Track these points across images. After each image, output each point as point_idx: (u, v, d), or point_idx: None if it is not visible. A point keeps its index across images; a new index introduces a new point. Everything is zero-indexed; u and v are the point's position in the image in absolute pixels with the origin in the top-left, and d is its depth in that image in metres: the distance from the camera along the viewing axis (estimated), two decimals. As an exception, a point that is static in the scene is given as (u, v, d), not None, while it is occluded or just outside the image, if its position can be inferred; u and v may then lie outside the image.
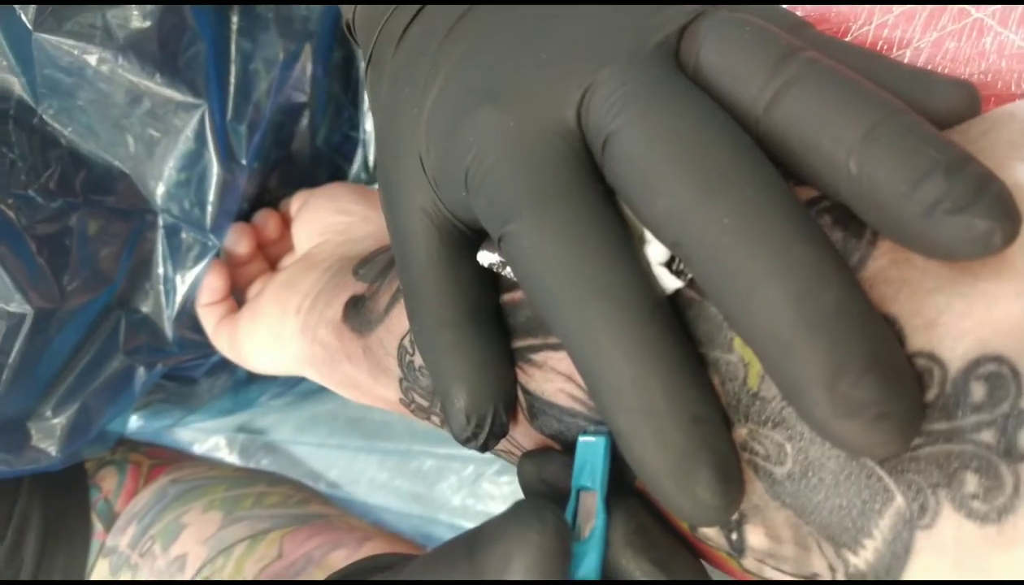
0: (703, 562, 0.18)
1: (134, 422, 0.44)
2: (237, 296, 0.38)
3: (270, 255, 0.39)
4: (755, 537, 0.16)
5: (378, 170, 0.23)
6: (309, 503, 0.38)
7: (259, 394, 0.48)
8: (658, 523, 0.17)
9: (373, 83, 0.23)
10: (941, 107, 0.15)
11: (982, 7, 0.19)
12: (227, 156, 0.35)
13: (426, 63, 0.20)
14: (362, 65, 0.40)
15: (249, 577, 0.30)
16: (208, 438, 0.53)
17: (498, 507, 0.48)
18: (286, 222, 0.39)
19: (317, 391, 0.51)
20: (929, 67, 0.19)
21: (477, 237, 0.21)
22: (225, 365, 0.43)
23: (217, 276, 0.37)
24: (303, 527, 0.33)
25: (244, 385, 0.46)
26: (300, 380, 0.49)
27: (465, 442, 0.20)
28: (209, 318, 0.37)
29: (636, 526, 0.17)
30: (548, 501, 0.16)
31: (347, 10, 0.25)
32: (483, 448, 0.20)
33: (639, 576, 0.16)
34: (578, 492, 0.17)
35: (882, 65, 0.16)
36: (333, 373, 0.28)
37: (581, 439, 0.18)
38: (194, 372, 0.42)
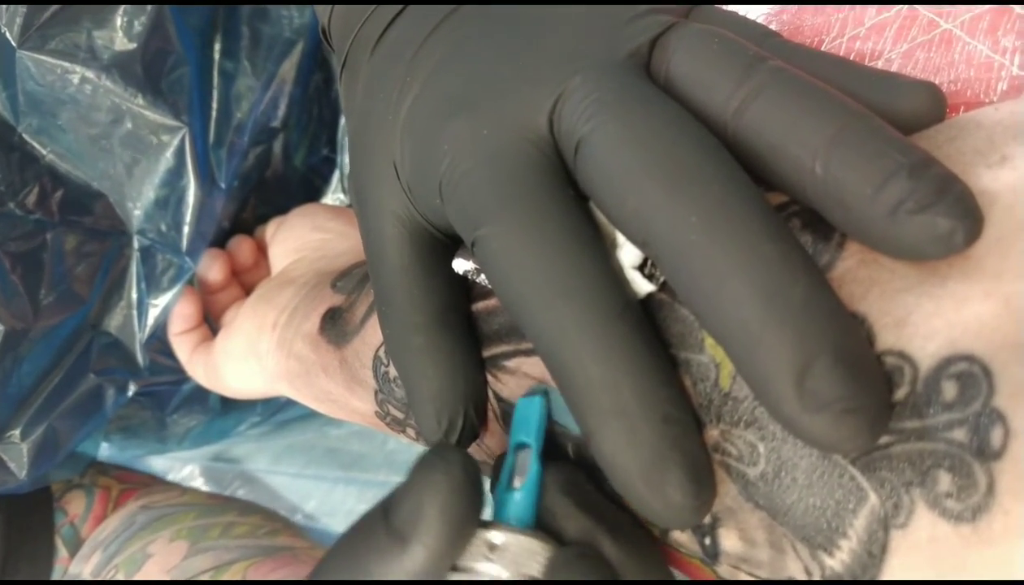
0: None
1: (105, 450, 0.43)
2: (211, 324, 0.38)
3: (245, 282, 0.39)
4: (729, 541, 0.16)
5: (350, 175, 0.23)
6: (278, 534, 0.37)
7: (235, 425, 0.47)
8: (594, 485, 0.17)
9: (347, 87, 0.23)
10: (906, 107, 0.16)
11: (951, 17, 0.19)
12: (207, 179, 0.35)
13: (401, 70, 0.20)
14: (341, 104, 0.40)
15: None
16: (183, 467, 0.52)
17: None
18: (261, 249, 0.39)
19: (294, 421, 0.50)
20: (899, 77, 0.20)
21: (450, 242, 0.21)
22: (197, 397, 0.42)
23: (188, 303, 0.36)
24: (268, 559, 0.33)
25: (219, 416, 0.45)
26: (276, 410, 0.48)
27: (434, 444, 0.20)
28: (183, 347, 0.37)
29: (571, 478, 0.17)
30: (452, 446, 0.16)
31: (322, 14, 0.25)
32: None
33: (572, 522, 0.16)
34: (515, 449, 0.18)
35: (848, 70, 0.17)
36: (309, 387, 0.28)
37: (520, 400, 0.18)
38: (166, 401, 0.41)
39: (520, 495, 0.16)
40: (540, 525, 0.16)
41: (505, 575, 0.15)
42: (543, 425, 0.18)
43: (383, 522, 0.15)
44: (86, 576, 0.35)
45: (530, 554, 0.15)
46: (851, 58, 0.20)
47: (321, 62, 0.40)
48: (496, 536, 0.15)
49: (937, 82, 0.19)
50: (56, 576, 0.36)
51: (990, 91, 0.19)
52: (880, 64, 0.20)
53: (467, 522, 0.15)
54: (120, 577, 0.33)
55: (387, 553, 0.15)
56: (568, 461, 0.18)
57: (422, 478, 0.15)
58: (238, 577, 0.32)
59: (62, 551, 0.37)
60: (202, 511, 0.37)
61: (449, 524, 0.15)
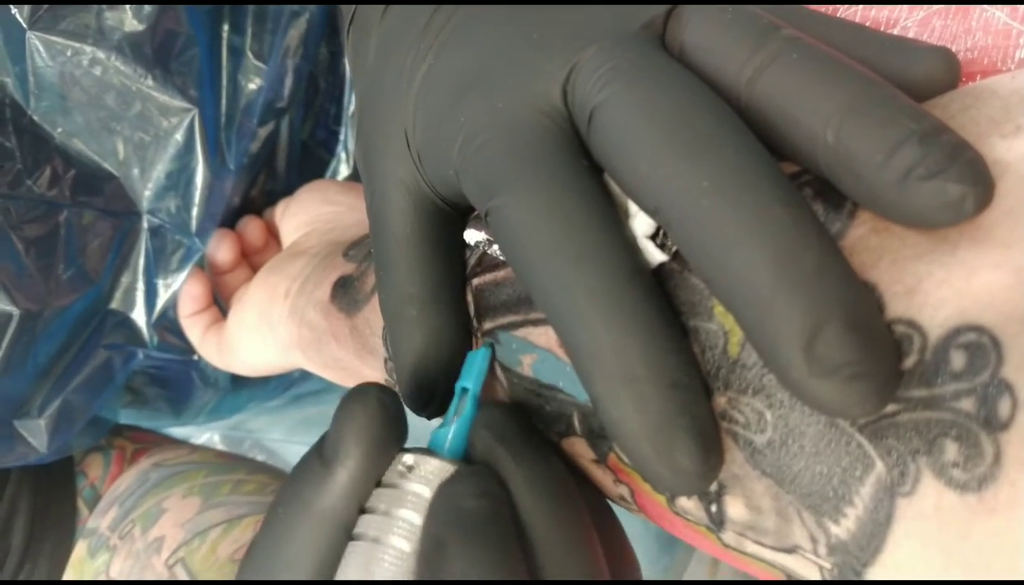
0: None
1: (122, 419, 0.44)
2: (222, 306, 0.38)
3: (255, 264, 0.39)
4: (735, 508, 0.16)
5: (359, 136, 0.23)
6: None
7: (248, 400, 0.47)
8: (526, 427, 0.18)
9: (356, 45, 0.23)
10: (920, 73, 0.15)
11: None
12: (216, 160, 0.35)
13: (415, 34, 0.20)
14: (348, 62, 0.40)
15: (223, 557, 0.30)
16: (201, 435, 0.53)
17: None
18: (271, 230, 0.39)
19: (309, 395, 0.51)
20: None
21: (454, 213, 0.21)
22: (210, 376, 0.42)
23: (197, 284, 0.36)
24: None
25: (232, 393, 0.45)
26: (290, 385, 0.48)
27: (414, 410, 0.21)
28: (194, 328, 0.37)
29: (499, 416, 0.18)
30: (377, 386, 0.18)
31: None
32: (430, 416, 0.21)
33: (481, 448, 0.17)
34: (461, 394, 0.20)
35: (862, 36, 0.16)
36: (320, 355, 0.28)
37: (469, 353, 0.20)
38: (178, 380, 0.41)
39: (451, 429, 0.18)
40: (466, 458, 0.18)
41: (425, 491, 0.17)
42: (483, 371, 0.20)
43: (316, 452, 0.17)
44: (103, 530, 0.36)
45: (439, 473, 0.17)
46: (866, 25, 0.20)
47: (328, 36, 0.40)
48: (408, 458, 0.18)
49: (954, 50, 0.19)
50: (77, 536, 0.37)
51: (1007, 59, 0.18)
52: (896, 32, 0.20)
53: (383, 446, 0.17)
54: (136, 531, 0.34)
55: (317, 477, 0.17)
56: (505, 405, 0.19)
57: (341, 412, 0.17)
58: (250, 529, 0.33)
59: (84, 512, 0.38)
60: (213, 469, 0.38)
61: (364, 448, 0.17)
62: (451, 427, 0.18)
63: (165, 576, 0.31)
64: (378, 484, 0.17)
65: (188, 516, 0.34)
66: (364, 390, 0.17)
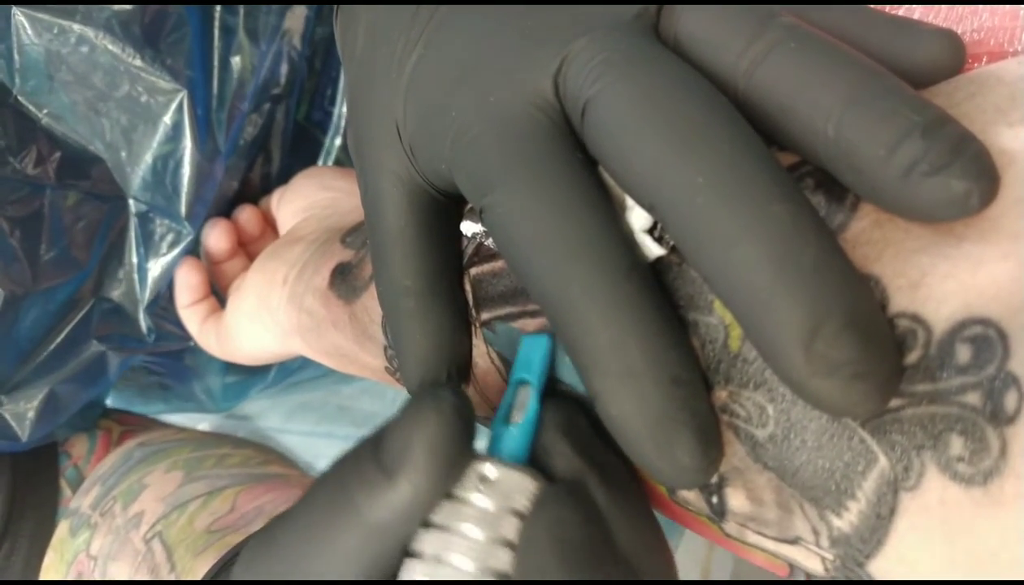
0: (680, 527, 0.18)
1: (111, 402, 0.43)
2: (219, 296, 0.38)
3: (251, 252, 0.38)
4: (736, 500, 0.16)
5: (350, 127, 0.22)
6: (270, 464, 0.37)
7: (245, 390, 0.47)
8: (594, 429, 0.17)
9: (345, 30, 0.23)
10: (924, 58, 0.15)
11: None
12: (205, 143, 0.34)
13: (405, 22, 0.20)
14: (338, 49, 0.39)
15: (199, 529, 0.30)
16: (196, 424, 0.53)
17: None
18: (267, 220, 0.39)
19: (307, 381, 0.50)
20: (919, 25, 0.19)
21: (450, 203, 0.21)
22: (205, 364, 0.42)
23: (193, 273, 0.36)
24: (258, 484, 0.33)
25: (228, 383, 0.45)
26: (288, 375, 0.48)
27: None
28: (193, 319, 0.37)
29: (570, 419, 0.17)
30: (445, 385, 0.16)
31: None
32: None
33: (564, 462, 0.16)
34: (516, 386, 0.18)
35: (864, 17, 0.16)
36: (320, 341, 0.28)
37: (524, 338, 0.18)
38: (173, 367, 0.41)
39: (516, 431, 0.17)
40: (533, 462, 0.17)
41: (492, 507, 0.15)
42: (546, 364, 0.18)
43: (372, 455, 0.15)
44: (85, 508, 0.36)
45: (520, 489, 0.16)
46: (870, 4, 0.20)
47: (325, 16, 0.39)
48: (489, 470, 0.16)
49: (960, 30, 0.19)
50: (59, 517, 0.37)
51: (1014, 40, 0.18)
52: (902, 11, 0.19)
53: (456, 459, 0.15)
54: (117, 507, 0.34)
55: (375, 486, 0.15)
56: (569, 401, 0.18)
57: (412, 415, 0.15)
58: (229, 500, 0.32)
59: (67, 492, 0.38)
60: (197, 445, 0.38)
61: (437, 462, 0.15)
62: (514, 427, 0.17)
63: (142, 551, 0.31)
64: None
65: (169, 490, 0.33)
66: (438, 395, 0.15)
